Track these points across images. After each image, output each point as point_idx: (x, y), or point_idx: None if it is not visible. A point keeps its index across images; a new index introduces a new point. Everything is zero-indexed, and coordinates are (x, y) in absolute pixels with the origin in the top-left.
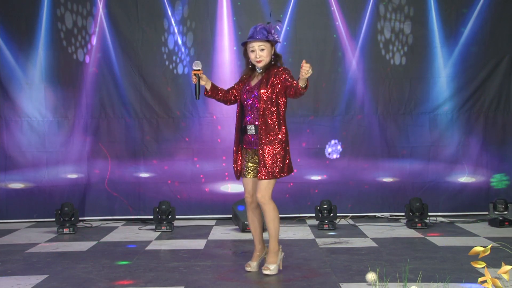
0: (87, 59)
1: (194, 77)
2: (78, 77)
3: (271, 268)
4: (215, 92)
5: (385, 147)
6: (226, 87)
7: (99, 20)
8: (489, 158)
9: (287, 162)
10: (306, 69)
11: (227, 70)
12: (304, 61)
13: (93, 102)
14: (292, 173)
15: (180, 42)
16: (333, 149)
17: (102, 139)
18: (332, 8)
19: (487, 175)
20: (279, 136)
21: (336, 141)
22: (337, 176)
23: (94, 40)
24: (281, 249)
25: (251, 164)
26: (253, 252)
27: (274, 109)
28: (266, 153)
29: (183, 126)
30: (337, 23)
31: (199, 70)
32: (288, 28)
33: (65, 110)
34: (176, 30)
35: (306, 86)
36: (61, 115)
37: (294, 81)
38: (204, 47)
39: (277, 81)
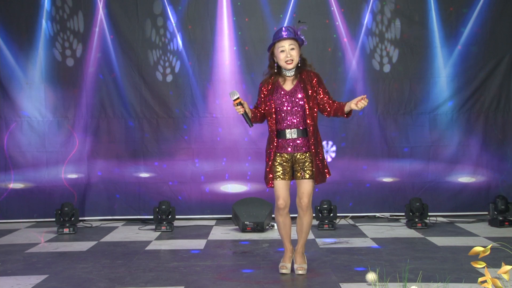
0: (87, 59)
1: (238, 107)
2: (78, 77)
3: (305, 268)
4: (255, 114)
5: (385, 147)
6: (226, 87)
7: (99, 20)
8: (489, 158)
9: (325, 162)
10: (363, 104)
11: (227, 70)
12: (364, 96)
13: (93, 102)
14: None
15: (180, 42)
16: (329, 150)
17: (100, 139)
18: (332, 8)
19: (487, 175)
20: (320, 137)
21: (331, 142)
22: (337, 176)
23: (94, 40)
24: None
25: (286, 168)
26: (285, 253)
27: (315, 111)
28: (317, 155)
29: (183, 126)
30: (337, 23)
31: (238, 98)
32: None
33: (65, 110)
34: (176, 30)
35: (349, 113)
36: (61, 115)
37: (335, 102)
38: (204, 47)
39: (316, 85)
